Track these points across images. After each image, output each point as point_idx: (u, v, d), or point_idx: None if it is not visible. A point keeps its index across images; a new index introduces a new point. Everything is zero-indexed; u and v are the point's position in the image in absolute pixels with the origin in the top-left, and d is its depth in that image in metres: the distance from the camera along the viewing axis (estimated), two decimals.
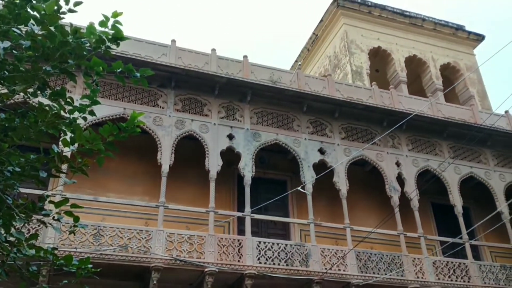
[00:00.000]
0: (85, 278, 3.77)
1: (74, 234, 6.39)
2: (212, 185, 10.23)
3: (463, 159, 12.90)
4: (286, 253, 10.09)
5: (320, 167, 11.24)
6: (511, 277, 11.36)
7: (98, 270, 3.87)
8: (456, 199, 12.08)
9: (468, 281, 11.07)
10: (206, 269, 9.23)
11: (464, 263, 11.32)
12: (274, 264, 9.84)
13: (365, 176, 12.78)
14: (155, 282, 8.96)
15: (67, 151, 3.39)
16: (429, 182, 12.26)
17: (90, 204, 9.55)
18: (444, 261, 11.25)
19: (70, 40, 3.07)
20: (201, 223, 10.09)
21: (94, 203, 9.62)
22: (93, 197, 9.64)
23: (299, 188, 10.27)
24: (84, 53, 3.13)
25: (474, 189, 13.22)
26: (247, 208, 10.27)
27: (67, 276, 3.90)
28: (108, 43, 3.10)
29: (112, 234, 9.03)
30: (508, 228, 12.14)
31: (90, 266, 3.64)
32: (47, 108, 3.17)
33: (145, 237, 9.20)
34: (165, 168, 9.99)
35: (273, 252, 10.00)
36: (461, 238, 11.66)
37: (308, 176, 11.04)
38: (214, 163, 10.41)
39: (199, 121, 10.90)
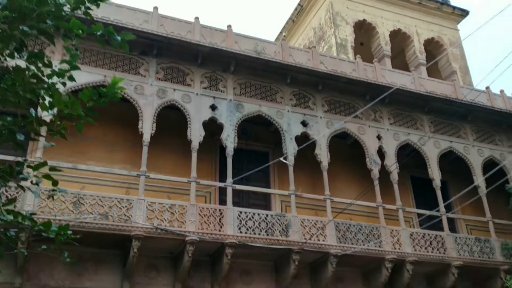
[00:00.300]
0: (65, 245, 3.75)
1: (53, 199, 6.30)
2: (194, 155, 10.20)
3: (443, 134, 13.07)
4: (266, 223, 10.19)
5: (302, 139, 11.28)
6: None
7: (78, 236, 3.85)
8: (435, 173, 12.30)
9: (444, 253, 11.38)
10: (187, 238, 9.28)
11: (440, 235, 11.61)
12: (254, 233, 9.94)
13: (347, 149, 12.88)
14: (135, 250, 8.99)
15: (46, 116, 3.30)
16: (409, 156, 12.44)
17: (69, 172, 9.44)
18: (421, 233, 11.52)
19: (48, 0, 2.96)
20: (182, 193, 10.10)
21: (74, 171, 9.51)
22: (73, 165, 9.52)
23: (281, 158, 10.32)
24: (63, 13, 3.01)
25: (452, 163, 13.45)
26: (229, 179, 10.29)
27: (47, 242, 3.87)
28: (87, 3, 2.98)
29: (92, 202, 8.98)
30: (484, 202, 12.44)
31: (69, 232, 3.62)
32: (25, 70, 3.07)
33: (125, 206, 9.17)
34: (146, 138, 9.89)
35: (253, 222, 10.09)
36: (438, 211, 11.92)
37: (290, 148, 11.08)
38: (196, 134, 10.35)
39: (181, 90, 10.76)
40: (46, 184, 3.40)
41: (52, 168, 3.30)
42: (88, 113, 3.20)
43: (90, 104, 3.16)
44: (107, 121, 10.35)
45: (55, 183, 3.40)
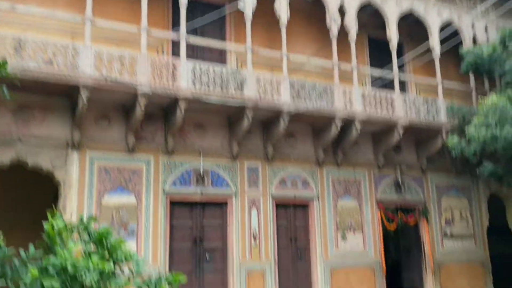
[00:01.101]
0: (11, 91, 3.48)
1: None
2: (145, 2, 9.53)
3: None
4: (221, 79, 10.04)
5: None
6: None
7: (17, 76, 3.56)
8: (392, 33, 12.18)
9: (392, 112, 11.81)
10: (139, 91, 9.07)
11: (390, 96, 11.93)
12: (209, 88, 9.83)
13: (308, 6, 12.37)
14: (84, 101, 8.75)
15: None
16: (369, 15, 12.14)
17: (7, 16, 8.70)
18: (372, 93, 11.77)
19: None
20: (132, 44, 9.63)
21: (13, 14, 8.75)
22: (11, 5, 8.70)
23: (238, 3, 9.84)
24: None
25: (410, 26, 13.35)
26: (183, 28, 9.82)
27: None
28: None
29: (35, 47, 8.41)
30: (436, 64, 12.68)
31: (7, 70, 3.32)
32: None
33: (71, 53, 8.67)
34: None
35: (208, 77, 9.91)
36: (391, 71, 12.10)
37: (249, 1, 10.53)
38: None
39: None
40: None
41: None
42: None
43: None
44: None
45: None
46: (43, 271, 3.08)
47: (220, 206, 10.64)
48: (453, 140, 10.81)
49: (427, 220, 12.84)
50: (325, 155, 11.76)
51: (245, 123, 10.27)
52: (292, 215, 11.38)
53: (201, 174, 10.38)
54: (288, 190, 11.30)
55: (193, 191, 10.25)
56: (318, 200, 11.55)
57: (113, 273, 3.47)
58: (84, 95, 8.71)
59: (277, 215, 11.11)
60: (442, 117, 12.43)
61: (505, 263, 14.47)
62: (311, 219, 11.46)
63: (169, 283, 3.58)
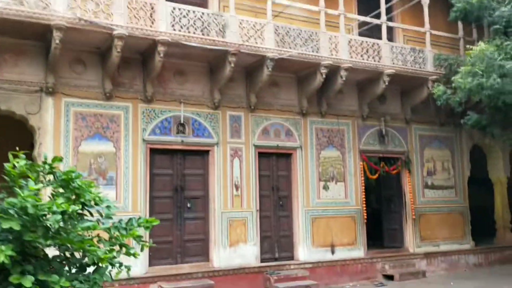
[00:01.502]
0: None
1: None
2: None
3: None
4: (202, 22, 9.61)
5: None
6: None
7: None
8: None
9: (379, 61, 11.55)
10: (115, 32, 8.61)
11: (377, 44, 11.63)
12: (189, 32, 9.40)
13: None
14: (57, 42, 8.28)
15: None
16: None
17: None
18: (359, 40, 11.45)
19: None
20: None
21: None
22: None
23: None
24: None
25: None
26: None
27: None
28: None
29: None
30: (425, 12, 12.34)
31: None
32: None
33: None
34: None
35: (188, 19, 9.46)
36: (379, 18, 11.75)
37: None
38: None
39: None
40: None
41: None
42: None
43: None
44: None
45: None
46: (3, 212, 2.88)
47: (202, 155, 10.46)
48: (439, 89, 10.65)
49: (409, 171, 12.89)
50: (309, 104, 11.55)
51: (227, 69, 9.93)
52: (274, 165, 11.28)
53: (182, 122, 10.12)
54: (271, 139, 11.13)
55: (173, 140, 10.02)
56: (301, 150, 11.44)
57: (81, 216, 3.29)
58: (57, 37, 8.24)
59: (260, 165, 10.99)
60: (429, 67, 12.23)
61: (484, 213, 14.79)
62: (294, 168, 11.38)
63: (142, 227, 3.42)
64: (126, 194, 9.35)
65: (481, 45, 9.44)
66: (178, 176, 10.16)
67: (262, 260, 10.62)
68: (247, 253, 10.41)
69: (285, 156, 11.40)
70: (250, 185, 10.68)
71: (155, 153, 9.95)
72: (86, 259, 3.08)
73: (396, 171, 12.81)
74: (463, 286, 10.77)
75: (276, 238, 11.03)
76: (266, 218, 10.97)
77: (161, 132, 9.93)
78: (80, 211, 3.28)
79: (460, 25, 13.01)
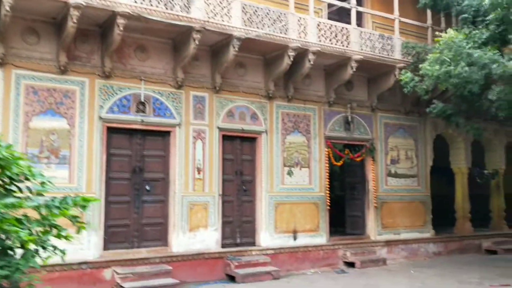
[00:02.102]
0: None
1: None
2: None
3: None
4: None
5: None
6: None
7: None
8: None
9: (347, 46, 11.36)
10: (71, 1, 8.04)
11: (346, 28, 11.43)
12: (151, 5, 8.91)
13: None
14: (7, 9, 7.66)
15: None
16: None
17: None
18: (328, 24, 11.22)
19: None
20: None
21: None
22: None
23: None
24: None
25: None
26: None
27: None
28: None
29: None
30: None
31: None
32: None
33: None
34: None
35: None
36: (349, 3, 11.55)
37: None
38: None
39: None
40: None
41: None
42: None
43: None
44: None
45: None
46: None
47: (163, 136, 10.05)
48: (406, 76, 10.55)
49: (373, 158, 12.85)
50: (276, 88, 11.27)
51: (191, 47, 9.50)
52: (239, 149, 10.99)
53: (142, 101, 9.65)
54: (236, 122, 10.82)
55: (132, 119, 9.55)
56: (267, 134, 11.17)
57: (8, 191, 2.90)
58: (7, 3, 7.63)
59: (224, 148, 10.67)
60: (397, 54, 12.15)
61: (444, 202, 14.99)
62: (258, 153, 11.12)
63: (79, 206, 3.05)
64: (80, 174, 8.86)
65: (450, 32, 9.36)
66: (137, 157, 9.73)
67: (223, 246, 10.37)
68: (207, 238, 10.12)
69: (249, 140, 11.11)
70: (213, 169, 10.36)
71: (113, 132, 9.47)
72: (10, 241, 2.69)
73: (361, 158, 12.75)
74: (423, 274, 10.83)
75: (238, 223, 10.78)
76: (229, 203, 10.70)
77: (119, 110, 9.44)
78: (7, 186, 2.89)
79: (429, 13, 12.97)
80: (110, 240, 9.19)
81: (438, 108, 10.66)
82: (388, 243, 12.73)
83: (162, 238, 9.85)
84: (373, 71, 12.42)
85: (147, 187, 9.77)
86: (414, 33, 13.25)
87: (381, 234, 12.75)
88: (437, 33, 10.35)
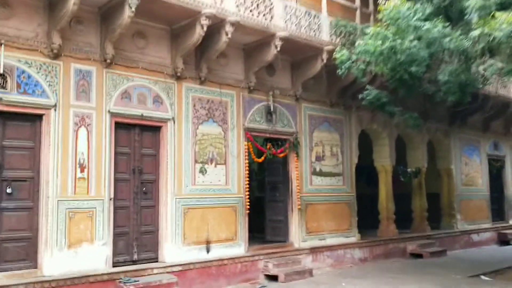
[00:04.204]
0: None
1: None
2: None
3: None
4: None
5: None
6: None
7: None
8: None
9: (270, 20, 9.63)
10: None
11: (270, 0, 9.70)
12: None
13: None
14: None
15: None
16: None
17: None
18: None
19: None
20: None
21: None
22: None
23: None
24: None
25: None
26: None
27: None
28: None
29: None
30: None
31: None
32: None
33: None
34: None
35: None
36: None
37: None
38: None
39: None
40: None
41: None
42: None
43: None
44: None
45: None
46: None
47: (32, 120, 7.52)
48: (342, 54, 9.02)
49: (297, 155, 11.24)
50: (185, 66, 9.19)
51: (71, 3, 7.14)
52: (137, 140, 8.73)
53: (1, 73, 7.07)
54: (134, 107, 8.56)
55: None
56: (174, 123, 9.05)
57: None
58: None
59: (117, 139, 8.38)
60: (325, 35, 10.67)
61: (367, 203, 13.83)
62: (163, 146, 8.95)
63: None
64: None
65: (396, 1, 7.97)
66: None
67: (115, 264, 8.05)
68: (93, 256, 7.74)
69: (152, 130, 8.91)
70: (102, 165, 8.01)
71: None
72: None
73: (284, 154, 11.08)
74: (356, 287, 9.35)
75: (136, 235, 8.51)
76: (123, 209, 8.40)
77: None
78: None
79: None
80: None
81: (372, 94, 9.29)
82: (313, 250, 11.17)
83: (29, 257, 7.31)
84: (298, 54, 10.83)
85: (8, 190, 7.18)
86: (341, 14, 11.84)
87: (305, 240, 11.16)
88: (380, 1, 8.93)
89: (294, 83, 11.33)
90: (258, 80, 10.45)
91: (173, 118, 9.03)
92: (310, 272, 10.34)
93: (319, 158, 11.80)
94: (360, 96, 9.77)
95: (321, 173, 11.76)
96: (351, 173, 12.60)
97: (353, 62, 8.90)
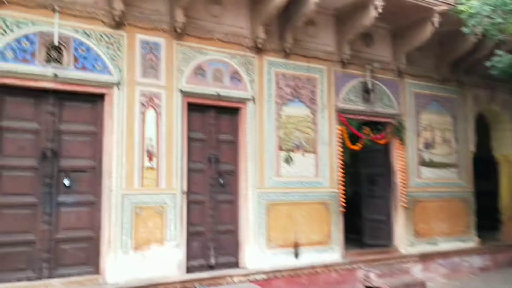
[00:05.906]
0: None
1: None
2: None
3: None
4: None
5: None
6: None
7: None
8: None
9: None
10: None
11: None
12: None
13: None
14: None
15: None
16: None
17: None
18: None
19: None
20: None
21: None
22: None
23: None
24: None
25: None
26: None
27: None
28: None
29: None
30: None
31: None
32: None
33: None
34: None
35: None
36: None
37: None
38: None
39: None
40: None
41: None
42: None
43: None
44: None
45: None
46: None
47: (92, 101, 6.46)
48: (470, 6, 6.99)
49: (402, 141, 9.36)
50: (267, 37, 7.73)
51: None
52: (213, 124, 7.42)
53: (56, 44, 6.07)
54: (209, 85, 7.26)
55: (40, 72, 5.95)
56: (254, 103, 7.63)
57: None
58: None
59: (190, 123, 7.13)
60: None
61: (485, 200, 11.50)
62: (242, 131, 7.57)
63: None
64: None
65: None
66: (48, 134, 6.13)
67: (189, 270, 6.81)
68: (164, 260, 6.55)
69: (229, 112, 7.56)
70: (173, 153, 6.79)
71: (7, 93, 5.89)
72: None
73: (385, 140, 9.26)
74: None
75: (213, 235, 7.22)
76: (198, 204, 7.13)
77: (16, 57, 5.84)
78: None
79: None
80: None
81: (505, 61, 7.19)
82: (423, 257, 9.24)
83: (90, 261, 6.26)
84: (401, 19, 8.94)
85: (66, 181, 6.17)
86: None
87: (413, 245, 9.27)
88: None
89: (396, 55, 9.43)
90: (353, 52, 8.74)
91: (253, 98, 7.62)
92: (422, 285, 8.46)
93: (428, 146, 9.81)
94: (488, 64, 7.68)
95: (431, 164, 9.75)
96: (468, 164, 10.42)
97: (486, 17, 6.85)
